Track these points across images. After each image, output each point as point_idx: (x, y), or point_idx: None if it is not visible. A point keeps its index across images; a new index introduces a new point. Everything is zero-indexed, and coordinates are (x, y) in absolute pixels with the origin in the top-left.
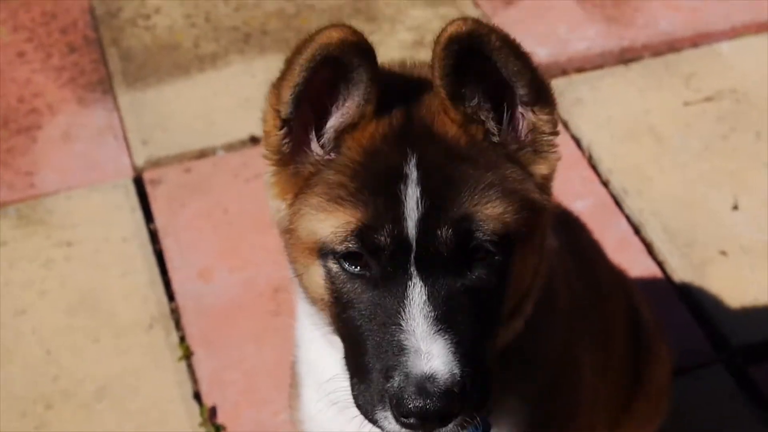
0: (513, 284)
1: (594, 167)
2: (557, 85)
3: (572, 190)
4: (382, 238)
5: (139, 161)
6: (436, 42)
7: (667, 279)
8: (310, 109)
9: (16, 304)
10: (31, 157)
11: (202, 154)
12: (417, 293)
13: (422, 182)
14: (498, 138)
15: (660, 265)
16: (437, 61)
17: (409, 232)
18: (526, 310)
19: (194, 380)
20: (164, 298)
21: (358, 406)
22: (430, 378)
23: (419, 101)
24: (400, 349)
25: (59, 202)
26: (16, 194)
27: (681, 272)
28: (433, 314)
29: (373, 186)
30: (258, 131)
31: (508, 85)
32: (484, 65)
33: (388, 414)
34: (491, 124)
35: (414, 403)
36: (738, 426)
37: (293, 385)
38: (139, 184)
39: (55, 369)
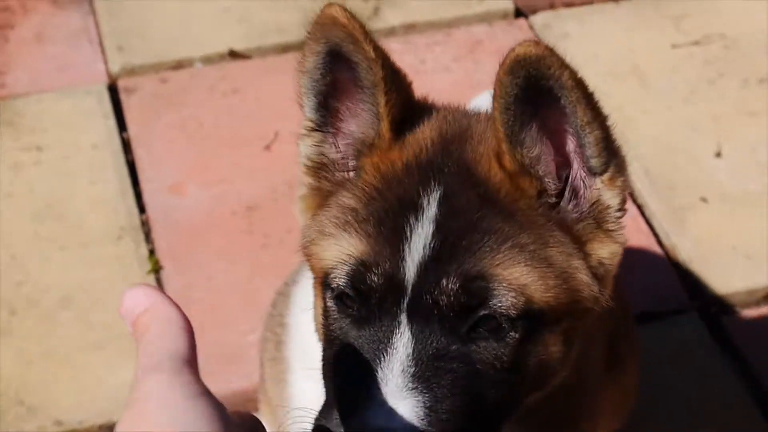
0: (529, 372)
1: None
2: (544, 19)
3: None
4: (375, 279)
5: (114, 68)
6: (501, 65)
7: (646, 222)
8: (335, 119)
9: None
10: (1, 57)
11: (179, 65)
12: (401, 344)
13: (439, 221)
14: (554, 200)
15: (639, 208)
16: (498, 89)
17: (407, 273)
18: (548, 386)
19: None
20: (135, 210)
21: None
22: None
23: (464, 138)
24: (366, 398)
25: (30, 104)
26: None
27: (660, 216)
28: (412, 370)
29: (381, 215)
30: (237, 44)
31: (574, 140)
32: (548, 111)
33: None
34: (550, 183)
35: None
36: (709, 374)
37: (274, 359)
38: (113, 91)
39: (20, 275)
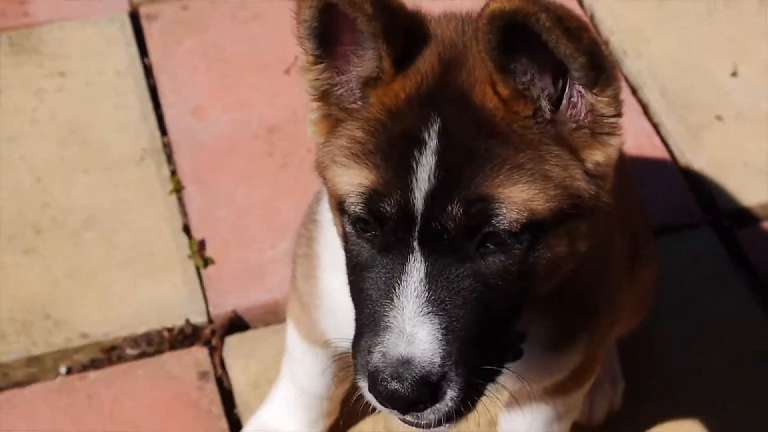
0: (538, 275)
1: (595, 27)
2: None
3: None
4: (388, 207)
5: None
6: (479, 16)
7: (662, 140)
8: (338, 52)
9: (7, 131)
10: None
11: None
12: (415, 269)
13: (440, 152)
14: (550, 116)
15: (655, 126)
16: (481, 36)
17: (415, 203)
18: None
19: (184, 214)
20: (156, 133)
21: (353, 363)
22: (406, 362)
23: (460, 63)
24: (385, 327)
25: (53, 32)
26: (9, 22)
27: (675, 135)
28: (426, 294)
29: (387, 149)
30: None
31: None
32: (539, 39)
33: (366, 386)
34: (544, 102)
35: (385, 385)
36: (721, 285)
37: (305, 255)
38: (134, 18)
39: (45, 197)
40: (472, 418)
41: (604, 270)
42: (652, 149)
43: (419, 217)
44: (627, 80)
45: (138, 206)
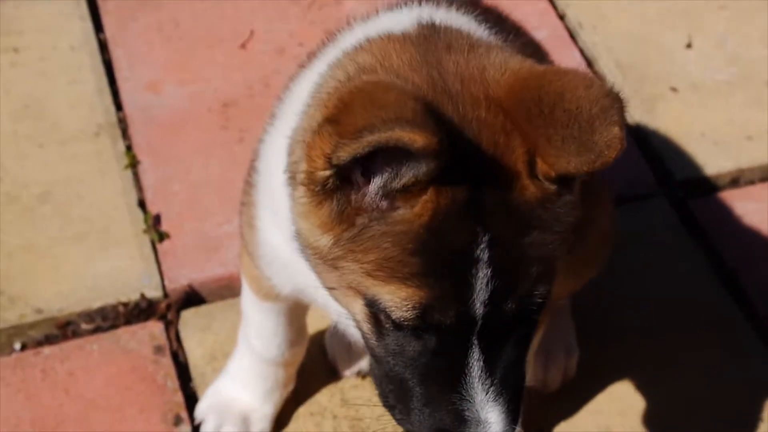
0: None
1: (551, 1)
2: None
3: (528, 22)
4: (447, 319)
5: None
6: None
7: None
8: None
9: None
10: None
11: None
12: (476, 361)
13: (493, 263)
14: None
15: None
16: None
17: (476, 311)
18: None
19: (140, 189)
20: (112, 108)
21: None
22: None
23: (493, 168)
24: (460, 418)
25: (6, 8)
26: None
27: (631, 107)
28: (490, 380)
29: (440, 270)
30: None
31: None
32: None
33: None
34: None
35: None
36: (676, 255)
37: (247, 203)
38: None
39: None
40: None
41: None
42: None
43: (479, 321)
44: (582, 53)
45: (93, 181)
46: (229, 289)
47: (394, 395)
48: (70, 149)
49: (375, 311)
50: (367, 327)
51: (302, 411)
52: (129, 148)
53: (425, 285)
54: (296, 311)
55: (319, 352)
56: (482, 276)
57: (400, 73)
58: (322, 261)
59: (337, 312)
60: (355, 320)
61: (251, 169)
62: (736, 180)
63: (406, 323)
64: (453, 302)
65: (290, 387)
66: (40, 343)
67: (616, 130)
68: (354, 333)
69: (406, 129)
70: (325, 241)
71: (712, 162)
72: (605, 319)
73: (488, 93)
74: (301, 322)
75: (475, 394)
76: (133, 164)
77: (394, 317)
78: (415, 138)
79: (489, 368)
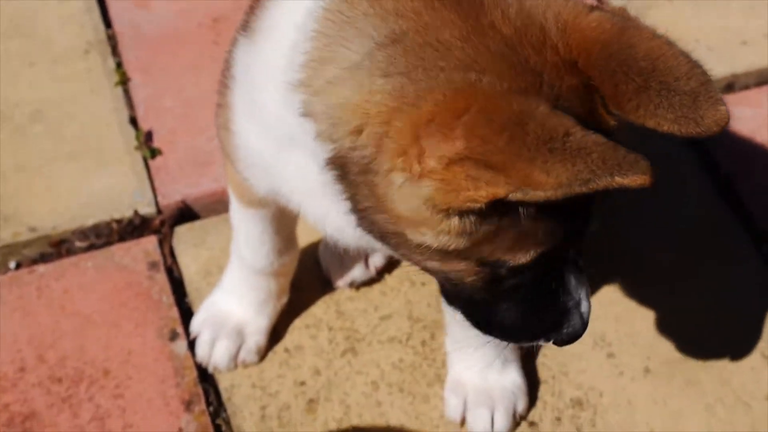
0: None
1: None
2: None
3: None
4: (558, 253)
5: None
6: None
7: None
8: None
9: None
10: None
11: None
12: (571, 275)
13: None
14: None
15: (599, 2)
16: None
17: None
18: None
19: (131, 106)
20: (101, 25)
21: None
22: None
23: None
24: (565, 308)
25: None
26: None
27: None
28: (579, 285)
29: (560, 225)
30: None
31: None
32: None
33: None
34: None
35: (580, 332)
36: (671, 162)
37: (223, 105)
38: None
39: None
40: None
41: None
42: None
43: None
44: None
45: (84, 99)
46: (222, 204)
47: (497, 322)
48: (60, 68)
49: (490, 266)
50: (471, 279)
51: (297, 323)
52: (119, 65)
53: (548, 241)
54: (283, 220)
55: (313, 264)
56: (583, 220)
57: (446, 43)
58: (418, 250)
59: (315, 221)
60: (447, 276)
61: (226, 71)
62: (731, 85)
63: (522, 266)
64: (565, 243)
65: (284, 299)
66: (35, 262)
67: (723, 109)
68: (348, 244)
69: (623, 176)
70: (434, 239)
71: (709, 68)
72: (616, 242)
73: (562, 55)
74: (288, 231)
75: (573, 293)
76: (124, 81)
77: (512, 266)
78: (635, 180)
79: (576, 276)
